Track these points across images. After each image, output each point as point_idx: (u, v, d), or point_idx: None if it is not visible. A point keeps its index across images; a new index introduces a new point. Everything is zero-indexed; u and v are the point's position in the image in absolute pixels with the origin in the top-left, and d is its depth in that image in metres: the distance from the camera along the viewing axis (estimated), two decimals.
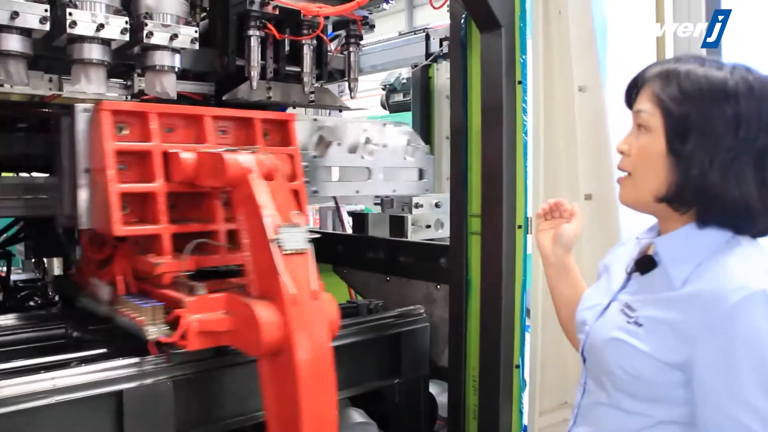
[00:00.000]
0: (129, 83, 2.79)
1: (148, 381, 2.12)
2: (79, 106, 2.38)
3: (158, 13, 2.50)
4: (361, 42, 3.24)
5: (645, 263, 1.46)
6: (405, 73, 6.14)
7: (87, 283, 2.65)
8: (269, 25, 2.85)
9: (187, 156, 2.28)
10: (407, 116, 5.34)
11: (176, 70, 2.60)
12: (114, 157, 2.25)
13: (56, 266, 6.01)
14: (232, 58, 2.92)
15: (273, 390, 1.98)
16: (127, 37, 2.40)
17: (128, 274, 2.39)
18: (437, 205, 3.44)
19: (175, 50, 2.56)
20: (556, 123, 2.73)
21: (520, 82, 2.59)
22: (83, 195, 2.38)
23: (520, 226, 2.58)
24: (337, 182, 3.25)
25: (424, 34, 4.42)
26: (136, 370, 2.12)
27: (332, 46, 3.34)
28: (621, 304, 1.46)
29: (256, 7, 2.77)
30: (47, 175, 4.04)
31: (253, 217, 2.04)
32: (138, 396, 2.08)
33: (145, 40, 2.45)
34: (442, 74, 4.49)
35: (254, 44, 2.82)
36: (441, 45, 4.30)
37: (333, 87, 3.71)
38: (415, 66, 4.55)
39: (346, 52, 3.20)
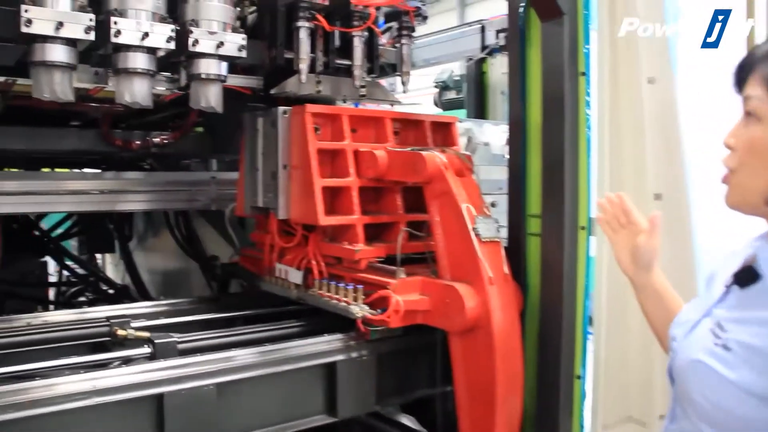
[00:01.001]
0: (176, 76, 2.72)
1: (191, 384, 2.04)
2: (280, 109, 2.65)
3: (204, 20, 2.45)
4: (414, 34, 3.11)
5: (745, 275, 1.25)
6: (457, 69, 6.02)
7: (267, 268, 2.89)
8: (318, 16, 2.75)
9: (381, 154, 2.51)
10: (461, 114, 5.19)
11: (223, 79, 2.55)
12: (316, 155, 2.49)
13: (108, 261, 6.10)
14: (281, 51, 2.82)
15: (466, 362, 2.25)
16: (172, 46, 2.35)
17: (319, 260, 2.60)
18: (493, 205, 3.29)
19: (222, 58, 2.51)
20: (622, 116, 2.55)
21: (583, 74, 2.42)
22: (282, 188, 2.62)
23: (582, 228, 2.42)
24: (483, 180, 3.26)
25: (480, 26, 4.24)
26: (178, 373, 2.05)
27: (384, 39, 3.22)
28: (713, 321, 1.27)
29: None
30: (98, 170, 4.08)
31: (451, 209, 2.28)
32: (179, 400, 2.00)
33: (190, 48, 2.40)
34: (497, 69, 4.32)
35: (303, 36, 2.72)
36: (497, 37, 4.13)
37: (383, 82, 3.59)
38: (470, 60, 4.38)
39: (398, 45, 3.08)
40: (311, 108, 2.58)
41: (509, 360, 2.19)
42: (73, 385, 1.87)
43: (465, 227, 2.24)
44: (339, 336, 2.45)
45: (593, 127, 2.46)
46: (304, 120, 2.55)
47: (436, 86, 6.60)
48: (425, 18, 3.21)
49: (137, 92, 2.33)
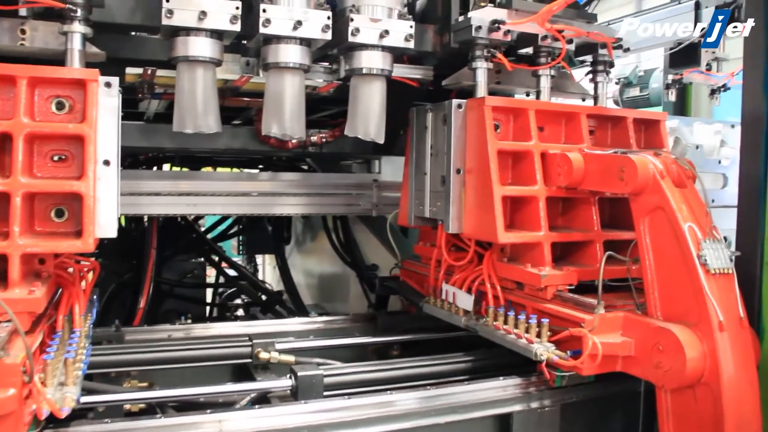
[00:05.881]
0: (335, 67, 2.40)
1: None
2: (454, 102, 2.30)
3: (367, 5, 2.16)
4: (611, 68, 2.63)
5: None
6: (644, 64, 5.40)
7: (432, 288, 2.59)
8: (499, 55, 2.33)
9: (576, 157, 2.12)
10: None
11: (387, 74, 2.25)
12: (496, 158, 2.16)
13: (268, 263, 6.04)
14: (454, 36, 2.41)
15: (681, 426, 1.82)
16: (328, 36, 2.09)
17: (495, 283, 2.28)
18: None
19: (386, 49, 2.20)
20: None
21: None
22: (454, 197, 2.30)
23: None
24: None
25: (693, 2, 3.50)
26: (321, 419, 1.74)
27: (575, 74, 2.73)
28: None
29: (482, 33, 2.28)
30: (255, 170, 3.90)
31: (668, 229, 1.87)
32: None
33: (350, 39, 2.12)
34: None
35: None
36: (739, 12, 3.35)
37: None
38: (679, 45, 3.66)
39: (592, 82, 2.61)
40: (491, 101, 2.21)
41: (744, 429, 1.75)
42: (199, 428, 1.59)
43: (688, 253, 1.80)
44: (516, 380, 2.05)
45: None
46: (482, 115, 2.19)
47: (616, 83, 5.98)
48: (626, 50, 2.70)
49: (287, 121, 2.08)
